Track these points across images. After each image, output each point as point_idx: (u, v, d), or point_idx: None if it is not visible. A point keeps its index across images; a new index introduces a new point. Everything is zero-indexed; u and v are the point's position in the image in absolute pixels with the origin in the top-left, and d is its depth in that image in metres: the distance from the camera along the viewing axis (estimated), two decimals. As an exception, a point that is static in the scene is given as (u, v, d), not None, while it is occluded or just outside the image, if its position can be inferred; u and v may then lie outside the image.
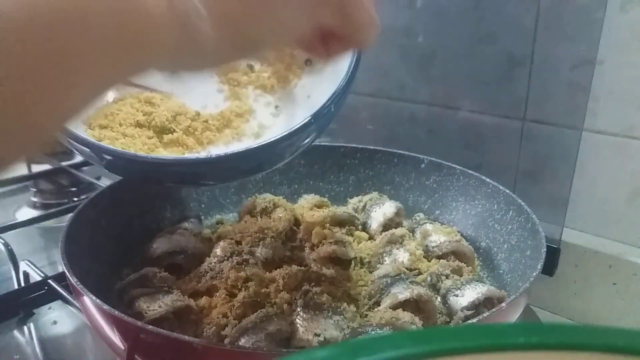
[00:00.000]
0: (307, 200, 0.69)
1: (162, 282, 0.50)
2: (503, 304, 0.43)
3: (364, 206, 0.67)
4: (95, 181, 0.86)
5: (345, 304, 0.49)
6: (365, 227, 0.65)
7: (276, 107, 0.54)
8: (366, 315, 0.48)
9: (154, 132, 0.49)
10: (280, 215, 0.62)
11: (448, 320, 0.50)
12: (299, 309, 0.46)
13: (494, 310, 0.43)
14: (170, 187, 0.66)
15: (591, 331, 0.16)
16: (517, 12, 0.66)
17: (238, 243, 0.57)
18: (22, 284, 0.62)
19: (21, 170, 0.91)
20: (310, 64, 0.52)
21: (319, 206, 0.67)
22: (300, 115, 0.46)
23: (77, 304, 0.52)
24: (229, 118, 0.52)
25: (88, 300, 0.42)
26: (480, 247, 0.62)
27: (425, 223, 0.63)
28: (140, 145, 0.47)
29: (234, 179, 0.61)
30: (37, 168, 0.93)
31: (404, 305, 0.47)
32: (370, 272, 0.55)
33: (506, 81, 0.69)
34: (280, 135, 0.43)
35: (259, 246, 0.56)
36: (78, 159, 0.94)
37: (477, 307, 0.48)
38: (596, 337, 0.16)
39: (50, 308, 0.61)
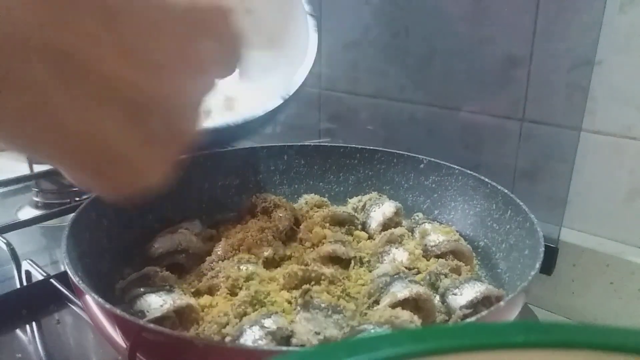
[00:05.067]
0: (307, 200, 0.69)
1: (164, 281, 0.50)
2: (501, 303, 0.43)
3: (364, 206, 0.67)
4: (96, 181, 0.86)
5: (345, 303, 0.49)
6: (364, 227, 0.65)
7: None
8: (365, 314, 0.48)
9: None
10: (281, 214, 0.62)
11: (447, 318, 0.50)
12: (299, 308, 0.46)
13: (492, 308, 0.43)
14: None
15: (589, 330, 0.16)
16: (515, 13, 0.67)
17: (239, 242, 0.58)
18: (25, 283, 0.62)
19: (23, 170, 0.91)
20: None
21: (319, 206, 0.67)
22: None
23: (79, 303, 0.52)
24: None
25: (90, 299, 0.42)
26: (479, 247, 0.62)
27: (424, 223, 0.63)
28: None
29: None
30: (39, 168, 0.93)
31: (403, 303, 0.47)
32: (370, 271, 0.55)
33: (505, 82, 0.70)
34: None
35: (259, 245, 0.56)
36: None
37: (475, 305, 0.48)
38: (594, 335, 0.16)
39: (52, 307, 0.61)
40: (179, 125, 0.28)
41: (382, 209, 0.65)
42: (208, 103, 0.49)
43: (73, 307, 0.59)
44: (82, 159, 0.26)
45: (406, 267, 0.55)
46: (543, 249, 0.50)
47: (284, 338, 0.43)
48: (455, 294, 0.50)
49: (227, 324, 0.45)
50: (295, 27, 0.49)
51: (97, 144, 0.25)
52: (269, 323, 0.43)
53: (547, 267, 0.67)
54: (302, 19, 0.50)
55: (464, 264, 0.56)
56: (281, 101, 0.46)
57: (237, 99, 0.52)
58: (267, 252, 0.56)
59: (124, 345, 0.42)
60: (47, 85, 0.23)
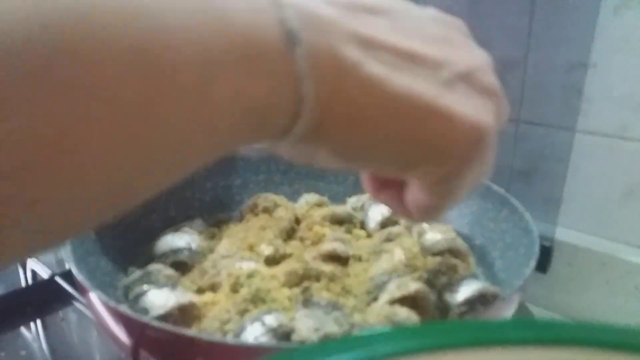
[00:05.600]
0: (307, 199, 0.70)
1: (167, 279, 0.51)
2: (497, 301, 0.44)
3: (362, 205, 0.68)
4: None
5: (344, 300, 0.50)
6: (363, 226, 0.66)
7: None
8: (364, 311, 0.49)
9: None
10: (282, 214, 0.63)
11: (444, 316, 0.50)
12: (299, 305, 0.47)
13: (488, 306, 0.44)
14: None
15: (584, 327, 0.17)
16: (510, 15, 0.67)
17: (240, 241, 0.58)
18: (30, 282, 0.62)
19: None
20: None
21: (319, 205, 0.68)
22: None
23: (84, 301, 0.53)
24: None
25: (94, 297, 0.43)
26: (475, 245, 0.62)
27: (422, 222, 0.63)
28: None
29: None
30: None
31: (401, 301, 0.48)
32: (368, 269, 0.56)
33: (500, 83, 0.70)
34: None
35: (260, 244, 0.57)
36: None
37: (472, 303, 0.49)
38: (589, 333, 0.17)
39: (57, 305, 0.62)
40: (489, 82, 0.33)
41: (380, 208, 0.65)
42: None
43: (77, 305, 0.59)
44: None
45: (404, 265, 0.55)
46: (538, 247, 0.50)
47: (285, 334, 0.44)
48: (452, 292, 0.50)
49: (229, 320, 0.46)
50: None
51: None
52: (269, 320, 0.44)
53: (543, 265, 0.67)
54: None
55: (461, 262, 0.56)
56: None
57: None
58: (268, 251, 0.56)
59: (127, 342, 0.42)
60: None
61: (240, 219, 0.67)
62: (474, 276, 0.54)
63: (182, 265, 0.56)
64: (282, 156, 0.29)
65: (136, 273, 0.52)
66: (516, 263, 0.54)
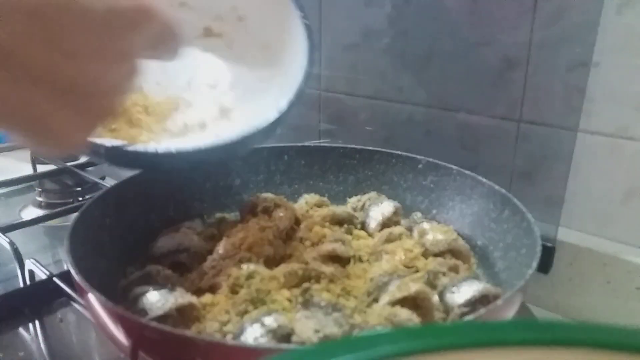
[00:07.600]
0: (307, 199, 0.69)
1: (166, 280, 0.51)
2: (499, 301, 0.44)
3: (363, 205, 0.68)
4: (100, 181, 0.87)
5: (344, 301, 0.49)
6: (364, 226, 0.65)
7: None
8: (365, 312, 0.49)
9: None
10: (281, 214, 0.63)
11: (445, 317, 0.50)
12: (299, 306, 0.47)
13: (490, 307, 0.44)
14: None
15: (585, 328, 0.17)
16: (513, 15, 0.67)
17: (240, 241, 0.58)
18: (28, 282, 0.62)
19: (26, 170, 0.92)
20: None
21: (319, 205, 0.68)
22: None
23: (82, 302, 0.52)
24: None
25: (92, 298, 0.43)
26: (477, 246, 0.62)
27: (423, 222, 0.63)
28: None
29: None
30: (42, 168, 0.93)
31: (402, 302, 0.47)
32: (369, 270, 0.56)
33: (502, 83, 0.70)
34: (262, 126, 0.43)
35: (260, 244, 0.57)
36: (83, 159, 0.94)
37: (473, 304, 0.48)
38: (590, 333, 0.16)
39: (55, 306, 0.62)
40: (98, 102, 0.34)
41: (381, 209, 0.65)
42: (201, 116, 0.50)
43: (76, 305, 0.59)
44: (19, 125, 0.33)
45: (405, 266, 0.55)
46: (540, 248, 0.50)
47: (285, 336, 0.44)
48: (453, 293, 0.50)
49: (228, 322, 0.46)
50: (290, 35, 0.48)
51: (30, 114, 0.32)
52: (269, 321, 0.44)
53: (545, 266, 0.67)
54: (297, 27, 0.50)
55: (462, 263, 0.56)
56: (277, 115, 0.45)
57: (233, 110, 0.52)
58: (268, 251, 0.56)
59: (126, 343, 0.42)
60: None
61: (240, 219, 0.67)
62: (475, 277, 0.54)
63: (181, 266, 0.56)
64: None
65: (135, 274, 0.52)
66: (517, 264, 0.54)
